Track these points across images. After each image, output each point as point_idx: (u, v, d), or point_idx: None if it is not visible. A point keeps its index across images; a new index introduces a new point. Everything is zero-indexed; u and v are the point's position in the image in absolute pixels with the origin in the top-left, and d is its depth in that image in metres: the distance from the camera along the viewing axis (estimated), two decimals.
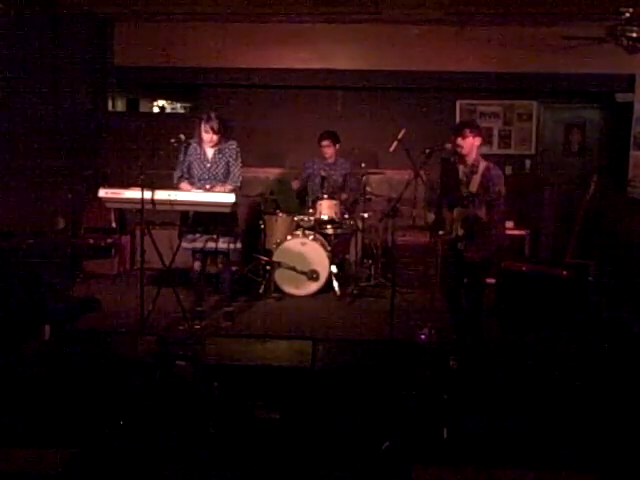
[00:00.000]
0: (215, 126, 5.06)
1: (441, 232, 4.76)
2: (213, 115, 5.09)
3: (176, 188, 5.08)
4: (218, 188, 5.09)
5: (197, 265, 5.31)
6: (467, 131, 4.63)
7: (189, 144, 5.17)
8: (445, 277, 4.91)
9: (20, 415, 3.48)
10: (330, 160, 6.75)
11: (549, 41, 7.14)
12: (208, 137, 5.11)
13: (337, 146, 6.72)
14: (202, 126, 5.09)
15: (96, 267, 6.93)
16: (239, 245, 5.34)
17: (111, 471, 3.05)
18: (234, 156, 5.20)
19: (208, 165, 5.18)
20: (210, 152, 5.20)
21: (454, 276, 4.82)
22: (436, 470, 2.90)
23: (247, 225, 6.79)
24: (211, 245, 5.16)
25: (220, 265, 5.33)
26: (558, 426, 3.47)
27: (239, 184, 5.22)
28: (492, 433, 3.37)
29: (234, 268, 5.79)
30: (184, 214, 5.25)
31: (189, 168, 5.22)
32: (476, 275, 4.73)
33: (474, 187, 4.59)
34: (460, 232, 4.59)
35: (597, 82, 7.54)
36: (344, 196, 6.61)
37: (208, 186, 5.13)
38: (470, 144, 4.64)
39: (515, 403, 3.63)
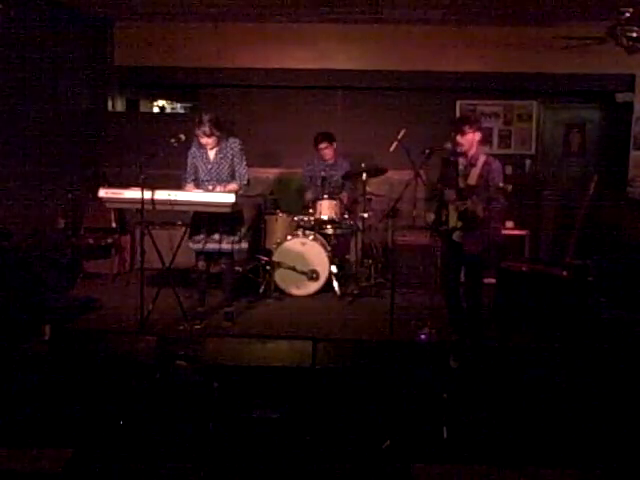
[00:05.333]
0: (207, 130, 5.00)
1: (442, 228, 4.77)
2: (205, 118, 4.99)
3: (179, 189, 5.07)
4: (219, 188, 5.09)
5: (201, 265, 5.31)
6: (466, 128, 4.62)
7: (190, 147, 5.17)
8: (443, 272, 4.91)
9: (20, 415, 3.48)
10: (330, 161, 6.75)
11: (549, 41, 7.14)
12: (204, 141, 5.09)
13: (334, 145, 6.72)
14: (196, 130, 5.06)
15: (96, 267, 6.93)
16: (245, 245, 5.34)
17: (111, 471, 3.05)
18: (237, 154, 5.17)
19: (209, 166, 5.17)
20: (212, 153, 5.18)
21: (452, 270, 4.82)
22: (436, 469, 2.91)
23: (248, 225, 6.79)
24: (217, 246, 5.14)
25: (223, 265, 5.32)
26: (558, 426, 3.46)
27: (246, 182, 5.19)
28: (492, 433, 3.37)
29: (238, 268, 5.76)
30: (193, 215, 5.24)
31: (195, 171, 5.22)
32: (474, 270, 4.73)
33: (473, 180, 4.59)
34: (458, 224, 4.60)
35: (597, 82, 7.55)
36: (344, 196, 6.61)
37: (210, 187, 5.12)
38: (470, 140, 4.63)
39: (515, 403, 3.62)
